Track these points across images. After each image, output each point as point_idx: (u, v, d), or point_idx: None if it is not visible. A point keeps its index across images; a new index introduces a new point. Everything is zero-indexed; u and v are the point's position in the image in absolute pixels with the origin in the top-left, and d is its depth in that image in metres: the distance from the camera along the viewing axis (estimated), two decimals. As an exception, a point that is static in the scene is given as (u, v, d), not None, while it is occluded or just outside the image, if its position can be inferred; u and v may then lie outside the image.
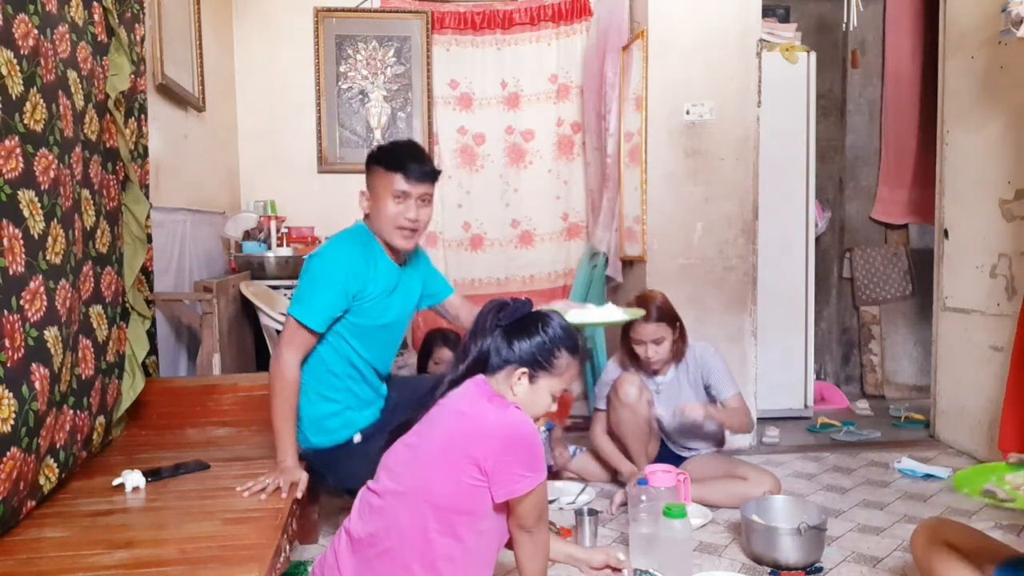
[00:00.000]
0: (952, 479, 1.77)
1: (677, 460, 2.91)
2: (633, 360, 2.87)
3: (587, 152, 4.36)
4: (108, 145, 2.15)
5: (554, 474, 2.94)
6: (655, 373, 2.88)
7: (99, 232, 2.06)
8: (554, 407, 1.77)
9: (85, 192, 1.96)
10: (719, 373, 2.85)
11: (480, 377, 1.68)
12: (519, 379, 1.66)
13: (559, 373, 1.69)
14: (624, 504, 2.63)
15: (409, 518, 1.55)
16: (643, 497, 2.31)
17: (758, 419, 3.58)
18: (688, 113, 3.43)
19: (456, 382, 1.68)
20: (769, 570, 2.25)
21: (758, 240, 3.50)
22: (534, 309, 1.74)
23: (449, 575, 1.54)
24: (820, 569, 2.24)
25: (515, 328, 1.68)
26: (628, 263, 3.77)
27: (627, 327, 2.81)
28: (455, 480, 1.54)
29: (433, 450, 1.58)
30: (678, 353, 2.85)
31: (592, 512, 2.45)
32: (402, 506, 1.56)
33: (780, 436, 3.62)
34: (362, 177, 4.45)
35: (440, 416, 1.63)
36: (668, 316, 2.78)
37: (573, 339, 1.71)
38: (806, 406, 3.97)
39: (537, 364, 1.66)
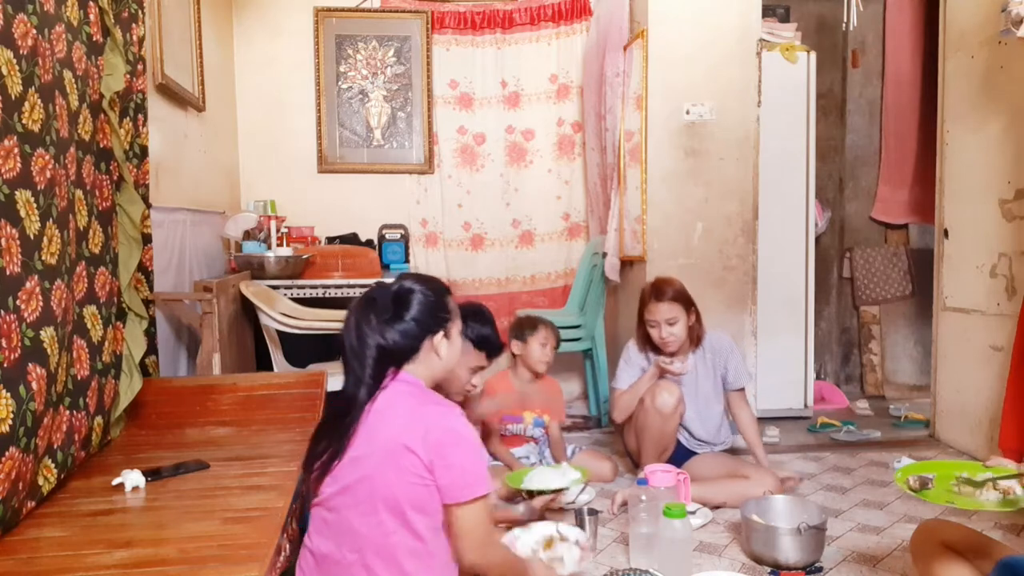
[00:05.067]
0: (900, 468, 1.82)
1: (690, 455, 2.91)
2: (648, 343, 2.85)
3: (587, 152, 4.36)
4: (102, 145, 2.15)
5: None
6: (672, 356, 2.85)
7: (91, 232, 2.06)
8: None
9: (78, 192, 1.96)
10: (737, 363, 2.90)
11: (403, 376, 1.63)
12: (440, 343, 1.67)
13: (456, 316, 1.74)
14: (624, 504, 2.62)
15: (365, 522, 1.52)
16: (643, 497, 2.31)
17: (758, 419, 3.58)
18: (688, 113, 3.44)
19: (372, 390, 1.60)
20: (769, 570, 2.25)
21: (758, 240, 3.50)
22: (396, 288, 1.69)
23: (418, 572, 1.52)
24: (820, 569, 2.24)
25: (398, 311, 1.64)
26: (628, 263, 3.76)
27: (641, 310, 2.82)
28: (404, 479, 1.51)
29: (378, 454, 1.53)
30: (695, 339, 2.85)
31: (592, 512, 2.45)
32: (356, 513, 1.53)
33: (780, 436, 3.62)
34: (362, 178, 4.53)
35: (378, 423, 1.57)
36: (682, 298, 2.79)
37: (440, 283, 1.75)
38: (806, 406, 3.96)
39: (442, 321, 1.68)
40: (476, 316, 2.44)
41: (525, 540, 2.10)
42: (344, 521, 1.54)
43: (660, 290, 2.79)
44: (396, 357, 1.63)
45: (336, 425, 1.59)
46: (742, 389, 2.92)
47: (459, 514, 1.54)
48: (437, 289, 1.71)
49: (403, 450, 1.51)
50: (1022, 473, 1.46)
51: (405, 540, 1.52)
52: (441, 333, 1.67)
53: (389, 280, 1.74)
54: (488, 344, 2.45)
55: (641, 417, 2.83)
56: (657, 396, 2.77)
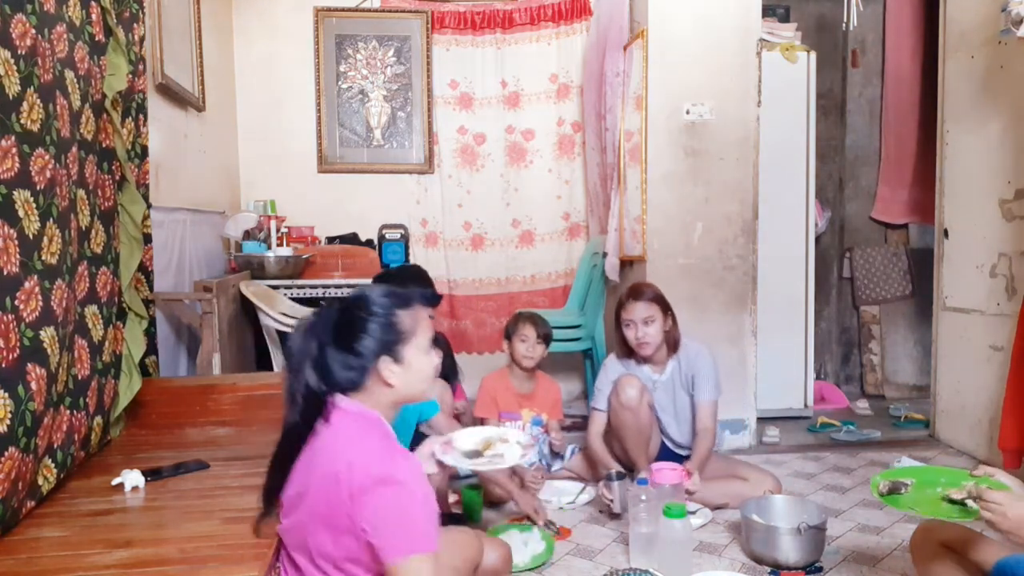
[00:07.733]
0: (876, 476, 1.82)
1: (676, 460, 2.90)
2: (627, 349, 2.85)
3: (587, 152, 4.36)
4: (104, 145, 2.15)
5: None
6: (646, 360, 2.84)
7: (93, 232, 2.06)
8: (435, 357, 1.56)
9: (80, 192, 1.96)
10: (705, 374, 2.80)
11: (349, 408, 1.46)
12: (388, 371, 1.47)
13: (413, 332, 1.51)
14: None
15: (307, 565, 1.44)
16: (643, 497, 2.31)
17: (758, 419, 3.58)
18: (688, 113, 3.43)
19: (306, 426, 1.46)
20: (769, 570, 2.25)
21: (758, 240, 3.50)
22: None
23: None
24: (820, 569, 2.24)
25: (343, 333, 1.46)
26: (628, 263, 3.76)
27: (619, 313, 2.81)
28: (335, 537, 1.39)
29: (311, 505, 1.42)
30: (672, 343, 2.83)
31: (620, 476, 2.55)
32: (299, 553, 1.46)
33: (780, 436, 3.62)
34: (362, 178, 4.54)
35: (313, 464, 1.44)
36: (659, 299, 2.79)
37: (396, 295, 1.53)
38: (806, 406, 3.96)
39: (390, 344, 1.47)
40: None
41: (462, 442, 1.87)
42: (293, 559, 1.49)
43: (637, 290, 2.80)
44: (332, 392, 1.46)
45: (283, 459, 1.48)
46: (712, 402, 2.80)
47: (395, 572, 1.33)
48: (387, 308, 1.49)
49: (333, 508, 1.37)
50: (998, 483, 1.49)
51: None
52: (388, 358, 1.46)
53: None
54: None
55: (614, 419, 2.84)
56: (621, 394, 2.77)
